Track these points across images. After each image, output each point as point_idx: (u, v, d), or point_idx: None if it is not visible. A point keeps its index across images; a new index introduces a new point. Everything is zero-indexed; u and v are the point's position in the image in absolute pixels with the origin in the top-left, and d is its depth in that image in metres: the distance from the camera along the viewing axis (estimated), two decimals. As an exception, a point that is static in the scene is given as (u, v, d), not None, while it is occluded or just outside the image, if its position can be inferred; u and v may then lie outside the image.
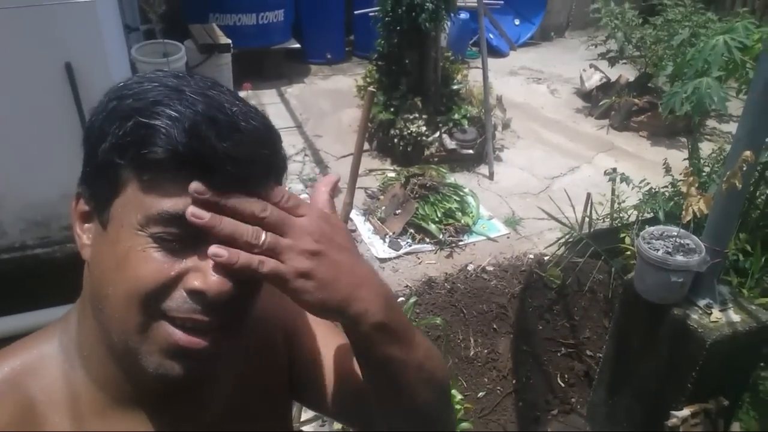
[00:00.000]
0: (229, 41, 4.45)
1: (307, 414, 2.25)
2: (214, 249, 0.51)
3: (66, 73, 2.43)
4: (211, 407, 0.69)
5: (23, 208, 2.67)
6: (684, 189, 1.85)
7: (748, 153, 1.64)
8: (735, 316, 1.95)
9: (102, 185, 0.55)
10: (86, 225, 0.59)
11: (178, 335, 0.54)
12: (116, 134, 0.53)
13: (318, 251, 0.54)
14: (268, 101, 5.22)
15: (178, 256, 0.54)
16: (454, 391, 2.27)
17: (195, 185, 0.51)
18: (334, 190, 0.63)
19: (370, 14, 4.35)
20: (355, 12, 5.06)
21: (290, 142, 4.61)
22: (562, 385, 2.73)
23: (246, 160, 0.53)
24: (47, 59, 2.40)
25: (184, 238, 0.53)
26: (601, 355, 2.58)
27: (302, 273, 0.53)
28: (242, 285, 0.55)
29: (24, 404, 0.58)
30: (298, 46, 5.72)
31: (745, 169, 1.66)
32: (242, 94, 4.99)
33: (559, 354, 2.82)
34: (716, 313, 1.94)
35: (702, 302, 1.96)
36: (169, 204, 0.52)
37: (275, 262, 0.53)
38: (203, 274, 0.53)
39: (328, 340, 0.79)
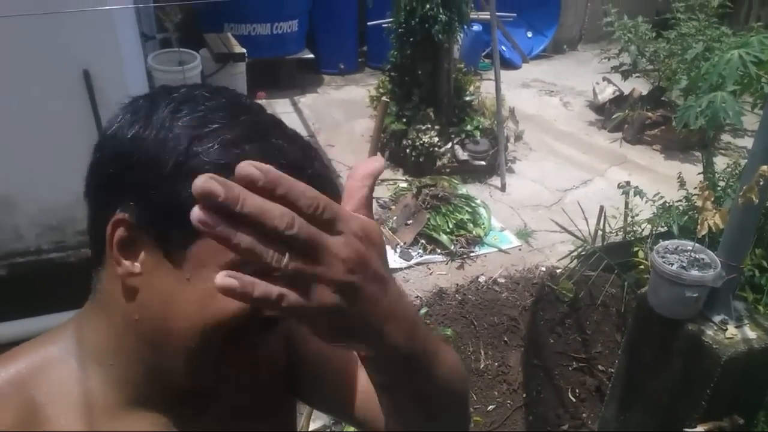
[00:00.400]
0: (244, 50, 4.49)
1: (315, 424, 2.25)
2: (221, 279, 0.40)
3: (84, 79, 2.47)
4: (215, 407, 0.69)
5: (39, 213, 2.71)
6: (699, 203, 1.84)
7: (765, 167, 1.63)
8: (751, 333, 1.92)
9: (176, 226, 0.52)
10: (131, 251, 0.56)
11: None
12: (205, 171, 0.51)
13: (350, 283, 0.44)
14: (281, 110, 5.26)
15: None
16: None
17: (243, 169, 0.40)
18: (376, 179, 0.54)
19: (384, 25, 4.38)
20: (369, 23, 5.10)
21: (302, 152, 4.63)
22: (573, 399, 2.70)
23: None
24: (66, 66, 2.44)
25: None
26: (613, 370, 2.55)
27: (328, 311, 0.43)
28: None
29: (29, 406, 0.58)
30: (311, 56, 5.77)
31: (762, 183, 1.65)
32: (258, 101, 5.07)
33: (570, 368, 2.79)
34: (731, 330, 1.91)
35: (717, 318, 1.94)
36: None
37: (296, 297, 0.42)
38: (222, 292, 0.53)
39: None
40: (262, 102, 4.72)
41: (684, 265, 1.90)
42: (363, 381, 0.73)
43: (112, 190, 0.56)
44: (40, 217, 2.73)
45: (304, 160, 0.55)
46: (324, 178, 0.56)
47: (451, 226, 3.59)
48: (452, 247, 3.51)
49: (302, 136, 0.59)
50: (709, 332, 1.90)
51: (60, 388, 0.60)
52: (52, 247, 2.81)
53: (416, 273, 3.39)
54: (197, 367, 0.58)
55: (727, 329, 1.90)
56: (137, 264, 0.56)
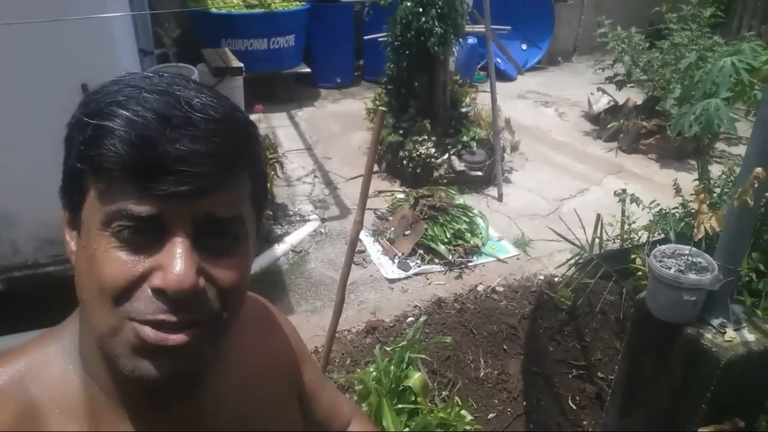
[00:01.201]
0: (241, 65, 4.52)
1: None
2: None
3: (82, 93, 2.48)
4: (213, 411, 0.69)
5: (37, 227, 2.71)
6: (695, 206, 1.85)
7: (759, 169, 1.64)
8: (749, 336, 1.92)
9: (73, 192, 0.57)
10: (73, 232, 0.60)
11: (147, 332, 0.53)
12: (78, 140, 0.54)
13: None
14: (278, 124, 5.29)
15: (142, 254, 0.53)
16: (463, 412, 2.24)
17: None
18: None
19: (380, 39, 4.42)
20: (365, 37, 5.15)
21: (300, 164, 4.65)
22: (574, 407, 2.69)
23: (204, 155, 0.52)
24: (64, 80, 2.45)
25: (146, 236, 0.53)
26: (612, 377, 2.55)
27: None
28: (217, 283, 0.56)
29: (27, 406, 0.58)
30: (308, 70, 5.82)
31: (756, 185, 1.66)
32: (254, 116, 5.07)
33: (570, 376, 2.78)
34: (730, 333, 1.91)
35: (715, 321, 1.94)
36: (125, 204, 0.52)
37: None
38: (164, 272, 0.52)
39: (321, 389, 0.90)
40: (259, 116, 4.76)
41: (681, 268, 1.91)
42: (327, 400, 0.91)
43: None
44: (38, 231, 2.73)
45: (171, 109, 0.53)
46: (200, 125, 0.53)
47: (448, 236, 3.60)
48: (450, 257, 3.51)
49: (194, 90, 0.56)
50: (708, 335, 1.91)
51: (56, 388, 0.60)
52: (50, 261, 2.81)
53: (415, 283, 3.39)
54: (106, 347, 0.55)
55: (725, 332, 1.90)
56: (72, 242, 0.60)
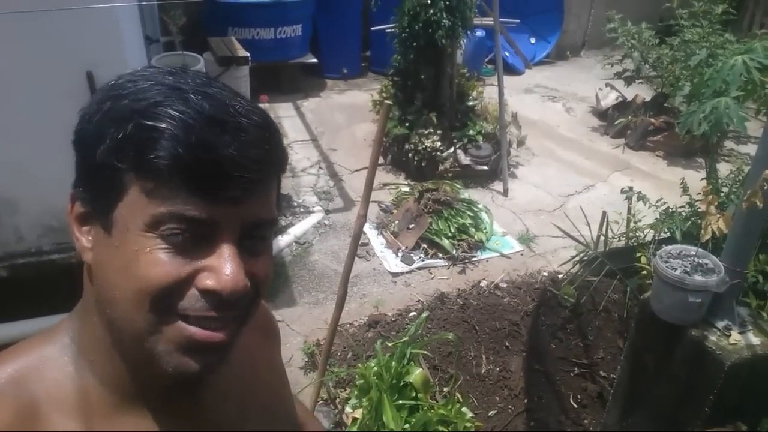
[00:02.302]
0: (248, 54, 4.50)
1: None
2: None
3: (87, 81, 2.47)
4: (216, 407, 0.69)
5: (41, 214, 2.71)
6: (703, 207, 1.83)
7: (769, 172, 1.62)
8: (755, 339, 1.90)
9: (102, 189, 0.55)
10: (84, 227, 0.58)
11: (194, 331, 0.55)
12: (115, 137, 0.52)
13: None
14: (284, 114, 5.27)
15: (189, 256, 0.54)
16: (464, 409, 2.24)
17: None
18: None
19: (387, 30, 4.39)
20: (372, 28, 5.11)
21: (305, 155, 4.63)
22: (575, 405, 2.69)
23: (256, 161, 0.54)
24: (70, 67, 2.44)
25: (194, 239, 0.54)
26: (614, 376, 2.54)
27: None
28: (252, 279, 0.57)
29: (27, 405, 0.57)
30: (314, 60, 5.78)
31: (766, 188, 1.64)
32: (260, 105, 5.09)
33: (572, 374, 2.77)
34: (735, 335, 1.90)
35: (720, 324, 1.92)
36: (178, 207, 0.52)
37: None
38: (216, 274, 0.54)
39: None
40: (265, 106, 4.74)
41: (687, 270, 1.89)
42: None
43: (76, 172, 0.58)
44: (42, 218, 2.73)
45: (223, 111, 0.53)
46: (246, 130, 0.54)
47: (453, 231, 3.58)
48: (454, 252, 3.50)
49: (228, 92, 0.57)
50: (713, 338, 1.89)
51: (56, 387, 0.59)
52: (53, 248, 2.81)
53: (418, 277, 3.38)
54: (141, 345, 0.56)
55: (730, 335, 1.89)
56: (90, 238, 0.58)
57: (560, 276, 3.21)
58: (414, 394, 2.14)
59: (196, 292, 0.54)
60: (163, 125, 0.51)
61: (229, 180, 0.52)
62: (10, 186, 2.62)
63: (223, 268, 0.54)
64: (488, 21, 4.78)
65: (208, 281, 0.54)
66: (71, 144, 0.57)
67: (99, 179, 0.55)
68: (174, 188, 0.52)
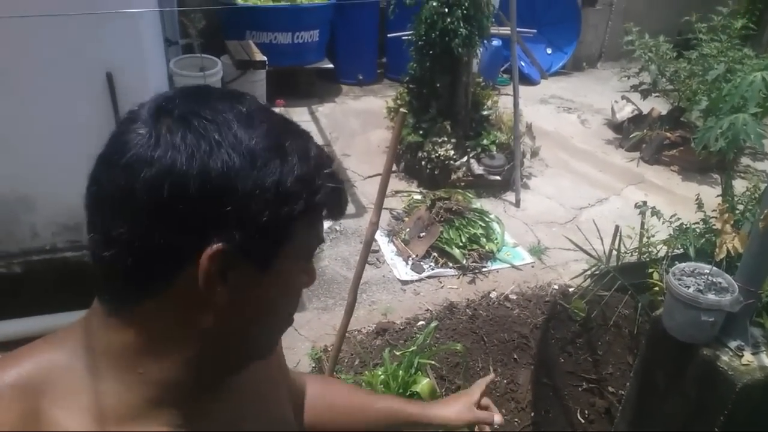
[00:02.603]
0: (265, 58, 4.54)
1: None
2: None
3: (107, 82, 2.50)
4: (230, 409, 0.70)
5: (56, 212, 2.74)
6: (718, 225, 1.81)
7: (786, 192, 1.60)
8: None
9: (270, 242, 0.58)
10: (224, 275, 0.56)
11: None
12: (303, 198, 0.57)
13: None
14: (299, 119, 5.28)
15: None
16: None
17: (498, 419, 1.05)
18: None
19: (404, 37, 4.40)
20: (389, 35, 5.13)
21: (318, 160, 4.65)
22: (582, 421, 2.66)
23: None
24: (90, 68, 2.47)
25: None
26: (623, 392, 2.51)
27: None
28: None
29: (34, 411, 0.57)
30: (331, 66, 5.81)
31: (783, 208, 1.62)
32: (275, 110, 5.11)
33: (580, 389, 2.75)
34: (748, 356, 1.87)
35: (733, 344, 1.90)
36: (321, 236, 0.65)
37: None
38: (311, 274, 0.67)
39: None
40: (280, 110, 4.77)
41: (701, 288, 1.87)
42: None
43: (194, 225, 0.53)
44: (57, 216, 2.76)
45: (326, 158, 0.64)
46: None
47: (464, 240, 3.57)
48: (464, 262, 3.49)
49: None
50: (725, 358, 1.87)
51: (66, 394, 0.59)
52: (68, 246, 2.84)
53: (427, 286, 3.37)
54: (261, 347, 0.68)
55: (743, 355, 1.86)
56: (226, 289, 0.56)
57: (571, 289, 3.19)
58: (420, 404, 2.13)
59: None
60: (339, 186, 0.63)
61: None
62: (28, 184, 2.65)
63: (313, 267, 0.68)
64: (505, 30, 4.78)
65: (309, 281, 0.67)
66: (181, 197, 0.52)
67: (274, 233, 0.57)
68: (320, 223, 0.64)
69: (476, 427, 1.05)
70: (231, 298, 0.57)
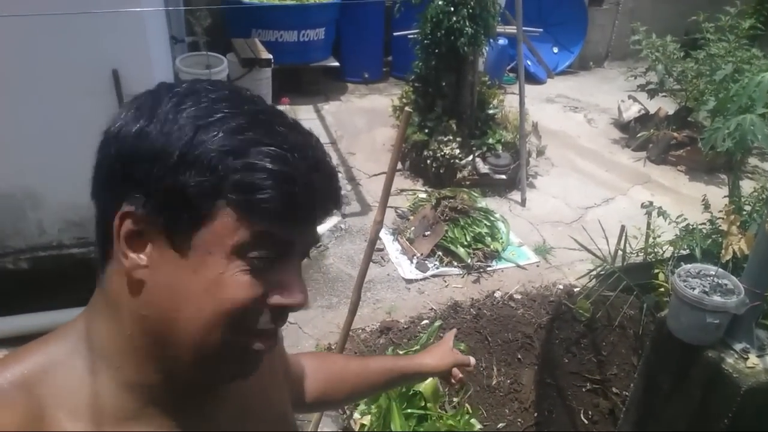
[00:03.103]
0: (270, 56, 4.54)
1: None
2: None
3: (113, 78, 2.51)
4: (225, 409, 0.70)
5: (63, 209, 2.75)
6: (724, 227, 1.80)
7: (793, 194, 1.59)
8: (773, 363, 1.87)
9: (182, 213, 0.54)
10: (137, 244, 0.57)
11: (258, 345, 0.60)
12: (213, 168, 0.53)
13: None
14: (304, 117, 5.29)
15: (266, 275, 0.57)
16: (473, 421, 2.23)
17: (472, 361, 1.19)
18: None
19: (409, 36, 4.39)
20: (394, 33, 5.11)
21: (323, 158, 4.65)
22: (586, 422, 2.66)
23: (336, 192, 0.61)
24: (95, 65, 2.48)
25: (272, 260, 0.57)
26: (627, 393, 2.51)
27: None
28: None
29: (35, 408, 0.57)
30: (336, 64, 5.81)
31: (790, 210, 1.61)
32: (280, 108, 5.09)
33: (584, 389, 2.75)
34: (753, 359, 1.86)
35: (738, 346, 1.89)
36: (267, 233, 0.55)
37: None
38: (289, 291, 0.59)
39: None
40: (285, 108, 4.77)
41: (706, 290, 1.86)
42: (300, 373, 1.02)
43: (117, 185, 0.56)
44: (64, 212, 2.77)
45: (306, 146, 0.57)
46: (324, 164, 0.59)
47: (468, 239, 3.57)
48: (469, 261, 3.48)
49: (302, 125, 0.61)
50: (730, 360, 1.86)
51: (66, 391, 0.59)
52: (74, 242, 2.85)
53: (432, 285, 3.37)
54: (204, 360, 0.58)
55: (748, 358, 1.85)
56: (143, 256, 0.57)
57: (576, 289, 3.18)
58: (423, 404, 2.13)
59: (267, 308, 0.58)
60: (261, 163, 0.53)
61: (317, 210, 0.58)
62: (35, 181, 2.67)
63: (296, 284, 0.59)
64: (511, 29, 4.76)
65: (281, 299, 0.58)
66: (116, 157, 0.56)
67: (179, 204, 0.54)
68: (266, 217, 0.54)
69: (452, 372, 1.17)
70: (152, 276, 0.57)
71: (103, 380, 0.61)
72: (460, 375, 1.17)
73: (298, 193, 0.55)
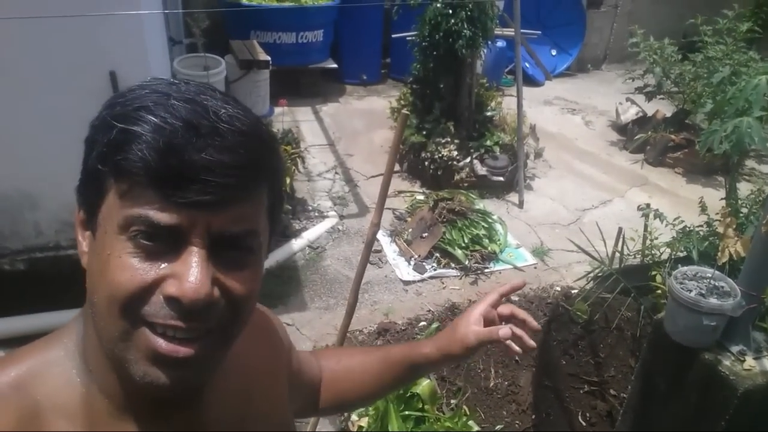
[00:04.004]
0: (268, 58, 4.54)
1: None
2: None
3: (110, 80, 2.50)
4: (214, 415, 0.69)
5: (60, 209, 2.74)
6: (721, 230, 1.80)
7: (790, 197, 1.59)
8: (770, 365, 1.87)
9: (91, 193, 0.56)
10: (86, 233, 0.59)
11: (159, 343, 0.54)
12: (102, 142, 0.54)
13: None
14: (302, 118, 5.29)
15: (156, 261, 0.53)
16: (471, 422, 2.23)
17: (504, 332, 0.88)
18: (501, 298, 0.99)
19: (408, 38, 4.40)
20: (393, 35, 5.13)
21: (322, 160, 4.65)
22: (584, 423, 2.66)
23: (228, 167, 0.53)
24: (93, 66, 2.48)
25: (164, 243, 0.53)
26: (625, 395, 2.51)
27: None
28: (229, 294, 0.56)
29: (29, 410, 0.58)
30: (335, 66, 5.81)
31: (786, 213, 1.61)
32: (278, 110, 5.06)
33: (581, 391, 2.75)
34: (750, 361, 1.87)
35: (735, 348, 1.89)
36: (144, 209, 0.52)
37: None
38: (179, 280, 0.53)
39: (299, 360, 0.93)
40: (283, 109, 4.77)
41: (703, 292, 1.87)
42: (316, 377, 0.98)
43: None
44: (61, 214, 2.77)
45: (199, 118, 0.53)
46: (229, 143, 0.53)
47: (466, 241, 3.57)
48: (467, 262, 3.48)
49: (220, 99, 0.56)
50: (726, 362, 1.86)
51: (59, 391, 0.60)
52: (71, 243, 2.85)
53: (429, 286, 3.37)
54: (115, 357, 0.56)
55: (745, 360, 1.86)
56: (85, 242, 0.59)
57: (573, 291, 3.18)
58: (421, 406, 2.13)
59: (161, 299, 0.53)
60: (138, 129, 0.51)
61: (194, 183, 0.51)
62: (32, 182, 2.66)
63: (186, 274, 0.53)
64: (509, 32, 4.77)
65: (170, 288, 0.53)
66: None
67: (89, 183, 0.56)
68: (144, 191, 0.52)
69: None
70: (87, 261, 0.59)
71: (87, 382, 0.61)
72: (515, 347, 0.90)
73: (173, 165, 0.51)
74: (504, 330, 0.87)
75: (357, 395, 1.02)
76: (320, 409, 1.00)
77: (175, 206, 0.52)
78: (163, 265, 0.53)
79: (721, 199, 2.89)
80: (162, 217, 0.52)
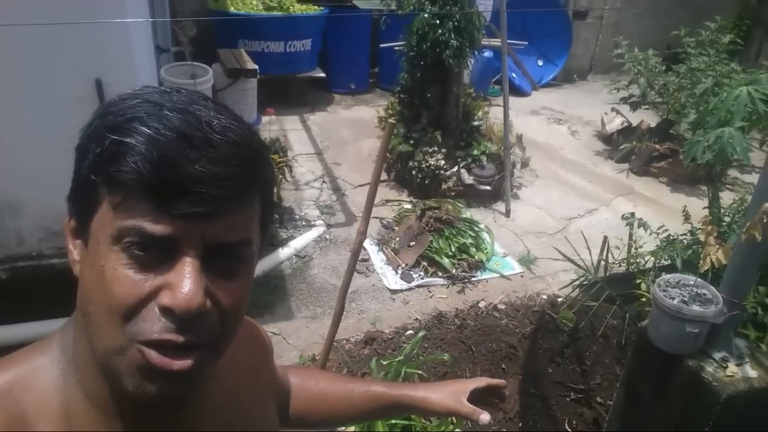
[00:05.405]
0: (256, 67, 4.54)
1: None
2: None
3: (96, 88, 2.49)
4: (202, 423, 0.69)
5: (43, 217, 2.72)
6: (702, 238, 1.82)
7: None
8: (752, 372, 1.89)
9: (83, 202, 0.56)
10: (77, 241, 0.59)
11: (153, 356, 0.53)
12: (94, 152, 0.53)
13: None
14: (290, 127, 5.30)
15: (150, 272, 0.53)
16: (457, 431, 2.22)
17: (484, 417, 0.93)
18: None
19: (396, 48, 4.43)
20: (381, 45, 5.16)
21: (309, 169, 4.65)
22: (570, 431, 2.66)
23: (222, 178, 0.53)
24: (78, 74, 2.46)
25: (158, 255, 0.53)
26: (611, 402, 2.52)
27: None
28: (220, 304, 0.56)
29: (16, 417, 0.57)
30: (323, 75, 5.83)
31: (766, 220, 1.64)
32: (265, 119, 5.05)
33: (568, 399, 2.75)
34: (732, 367, 1.88)
35: (718, 355, 1.91)
36: (138, 220, 0.52)
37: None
38: (173, 291, 0.52)
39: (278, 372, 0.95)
40: (271, 118, 4.77)
41: (685, 299, 1.88)
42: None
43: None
44: (44, 221, 2.74)
45: (193, 129, 0.53)
46: (222, 155, 0.53)
47: (453, 250, 3.58)
48: (454, 271, 3.49)
49: (213, 110, 0.56)
50: (709, 369, 1.88)
51: (46, 398, 0.59)
52: (54, 252, 2.82)
53: (416, 295, 3.37)
54: (106, 368, 0.56)
55: (727, 366, 1.87)
56: (76, 251, 0.59)
57: (559, 299, 3.20)
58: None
59: (157, 311, 0.53)
60: (131, 141, 0.51)
61: (188, 195, 0.51)
62: (15, 189, 2.63)
63: (180, 285, 0.53)
64: (496, 42, 4.82)
65: (164, 298, 0.53)
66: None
67: (81, 193, 0.56)
68: (138, 202, 0.52)
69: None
70: (80, 271, 0.58)
71: (73, 389, 0.60)
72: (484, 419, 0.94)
73: (167, 177, 0.51)
74: (485, 416, 0.94)
75: (314, 416, 1.03)
76: (290, 421, 0.99)
77: (169, 218, 0.52)
78: (157, 276, 0.53)
79: (704, 207, 2.93)
80: (156, 228, 0.52)
